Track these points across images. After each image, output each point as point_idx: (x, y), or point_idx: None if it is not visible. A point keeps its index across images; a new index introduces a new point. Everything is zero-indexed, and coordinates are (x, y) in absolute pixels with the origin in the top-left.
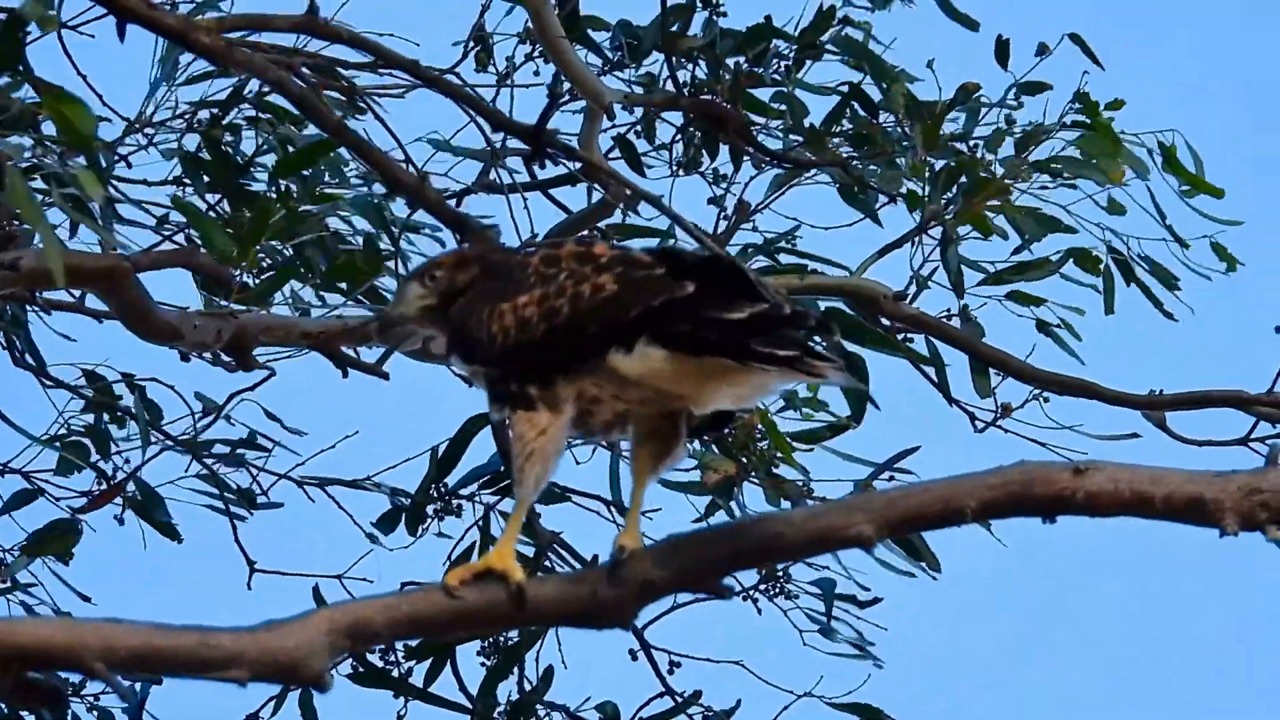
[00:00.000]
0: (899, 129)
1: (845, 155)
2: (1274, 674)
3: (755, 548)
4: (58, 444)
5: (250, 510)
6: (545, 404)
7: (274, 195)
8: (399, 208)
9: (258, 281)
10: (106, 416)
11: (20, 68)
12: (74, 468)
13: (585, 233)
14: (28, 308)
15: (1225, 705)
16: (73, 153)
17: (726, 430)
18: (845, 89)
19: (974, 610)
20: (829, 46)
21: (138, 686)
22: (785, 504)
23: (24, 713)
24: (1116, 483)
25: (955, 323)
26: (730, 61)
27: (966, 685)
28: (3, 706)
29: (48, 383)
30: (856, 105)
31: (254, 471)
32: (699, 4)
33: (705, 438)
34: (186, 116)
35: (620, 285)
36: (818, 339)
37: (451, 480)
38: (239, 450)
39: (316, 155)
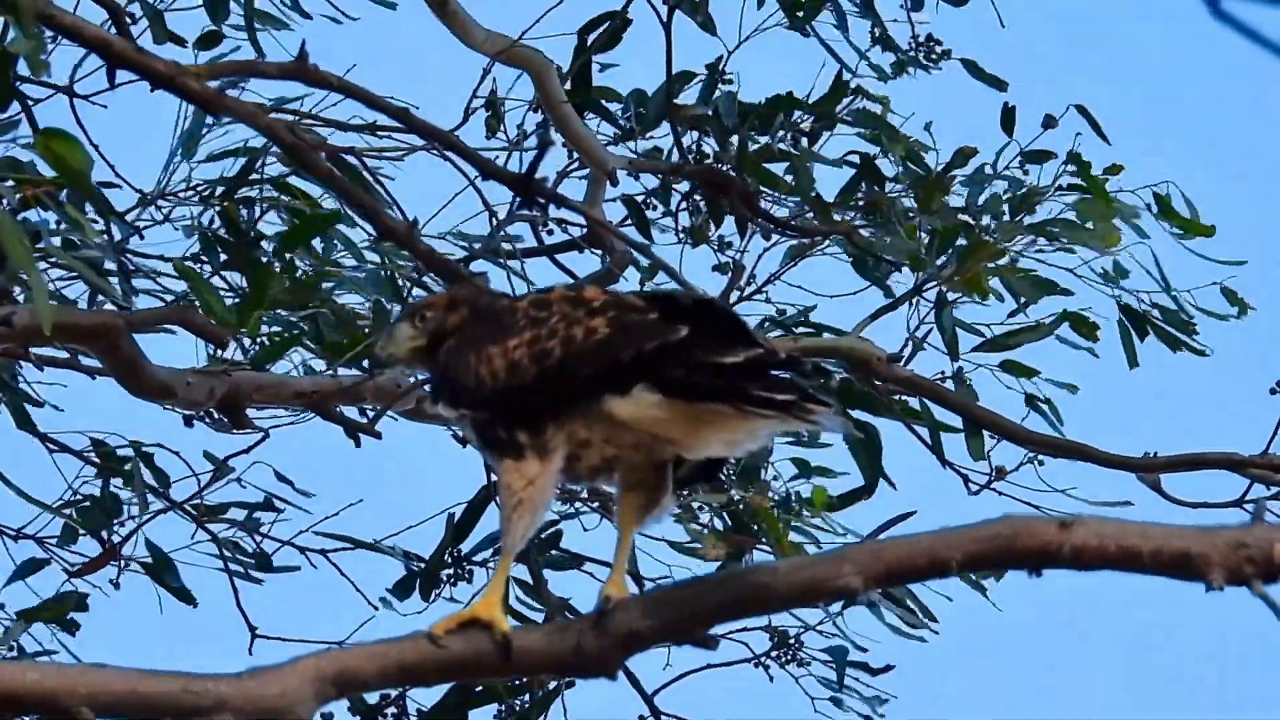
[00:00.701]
0: (906, 197)
1: (854, 224)
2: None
3: (743, 598)
4: (69, 511)
5: (262, 576)
6: (534, 451)
7: (279, 266)
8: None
9: (258, 348)
10: (117, 481)
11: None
12: (78, 535)
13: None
14: (19, 364)
15: None
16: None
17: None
18: (857, 159)
19: (977, 676)
20: (844, 117)
21: None
22: None
23: None
24: (1102, 537)
25: (949, 384)
26: (737, 131)
27: None
28: None
29: (52, 447)
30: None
31: (259, 536)
32: (706, 71)
33: (704, 505)
34: (200, 190)
35: (612, 329)
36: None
37: (466, 546)
38: (254, 515)
39: (322, 225)
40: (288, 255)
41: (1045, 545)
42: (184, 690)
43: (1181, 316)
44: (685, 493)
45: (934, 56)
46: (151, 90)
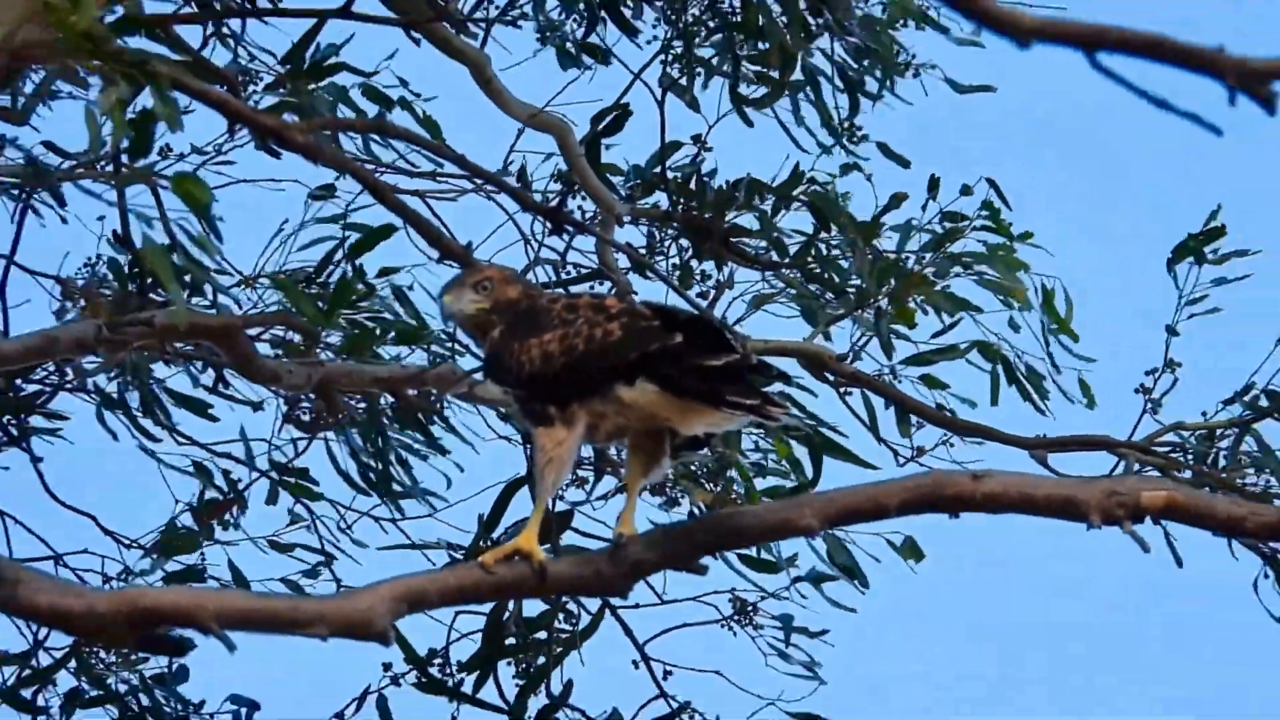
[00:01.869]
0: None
1: (804, 277)
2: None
3: (725, 534)
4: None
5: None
6: (562, 421)
7: (352, 273)
8: None
9: (342, 340)
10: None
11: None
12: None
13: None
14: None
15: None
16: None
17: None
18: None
19: (899, 638)
20: (799, 197)
21: (243, 711)
22: None
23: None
24: (1006, 486)
25: (886, 379)
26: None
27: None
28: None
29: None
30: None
31: (342, 510)
32: (691, 140)
33: (693, 466)
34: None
35: (624, 332)
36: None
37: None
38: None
39: (383, 236)
40: (358, 262)
41: (962, 492)
42: (291, 608)
43: (1042, 385)
44: (680, 456)
45: (855, 139)
46: (259, 144)
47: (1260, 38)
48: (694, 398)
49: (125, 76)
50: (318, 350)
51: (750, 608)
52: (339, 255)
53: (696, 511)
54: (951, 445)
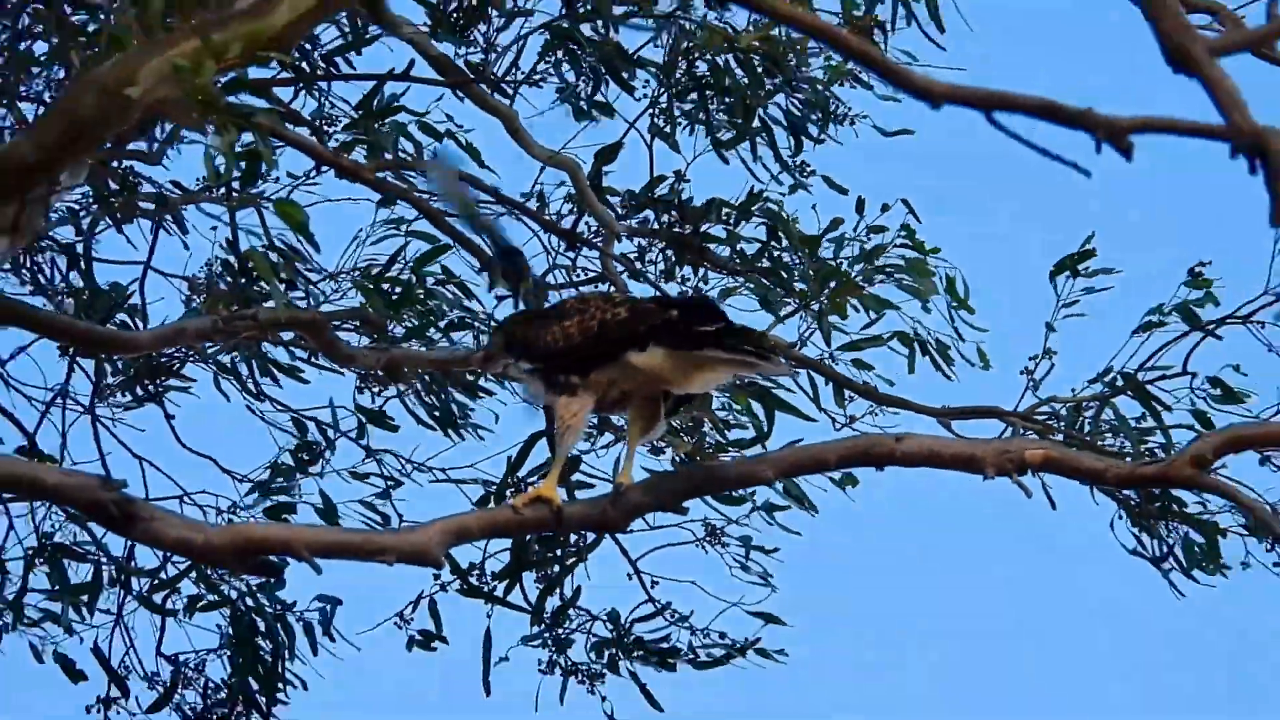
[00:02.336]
0: (795, 257)
1: (759, 270)
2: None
3: (703, 483)
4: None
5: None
6: (580, 390)
7: (414, 282)
8: None
9: (405, 330)
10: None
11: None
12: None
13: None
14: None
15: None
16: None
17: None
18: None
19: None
20: (756, 213)
21: (326, 607)
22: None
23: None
24: (920, 446)
25: (827, 362)
26: (692, 216)
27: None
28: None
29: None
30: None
31: (403, 459)
32: (673, 175)
33: (676, 414)
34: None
35: (629, 313)
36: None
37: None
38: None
39: (441, 252)
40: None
41: (887, 451)
42: (365, 540)
43: (948, 354)
44: (671, 418)
45: (804, 174)
46: (337, 176)
47: (1125, 95)
48: (697, 348)
49: (235, 126)
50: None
51: (719, 532)
52: (402, 255)
53: (677, 460)
54: (876, 414)
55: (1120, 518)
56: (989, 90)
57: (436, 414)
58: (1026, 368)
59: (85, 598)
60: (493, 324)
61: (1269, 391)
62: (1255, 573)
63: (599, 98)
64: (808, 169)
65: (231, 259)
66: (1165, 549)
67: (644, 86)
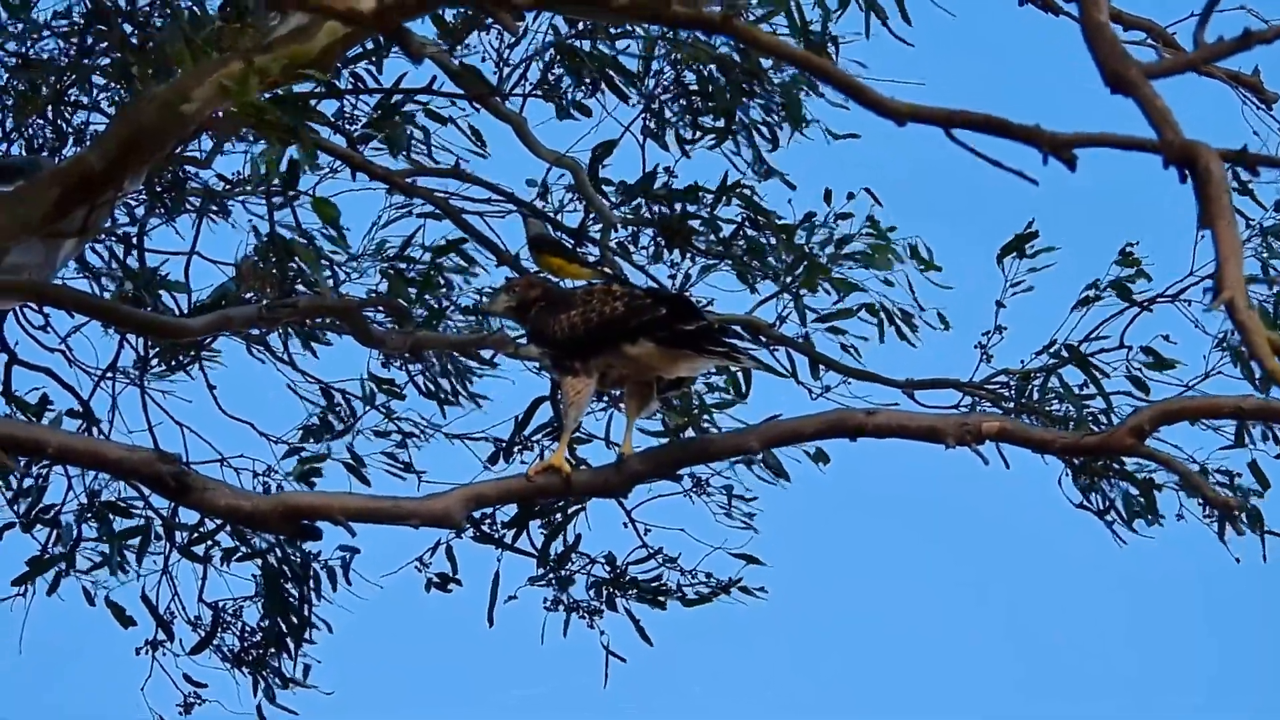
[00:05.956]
0: (770, 241)
1: (741, 252)
2: None
3: (696, 453)
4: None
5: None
6: (584, 372)
7: (433, 270)
8: None
9: (426, 315)
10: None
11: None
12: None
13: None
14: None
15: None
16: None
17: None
18: (741, 216)
19: (811, 514)
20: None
21: (346, 555)
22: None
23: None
24: (890, 419)
25: (802, 340)
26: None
27: (806, 553)
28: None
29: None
30: (751, 226)
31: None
32: (663, 171)
33: (668, 396)
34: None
35: (625, 309)
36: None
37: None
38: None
39: (458, 245)
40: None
41: (859, 424)
42: (394, 506)
43: (912, 322)
44: (664, 397)
45: (763, 173)
46: (370, 179)
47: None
48: (680, 346)
49: (279, 138)
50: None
51: (704, 483)
52: (418, 238)
53: (666, 426)
54: (849, 384)
55: (1066, 475)
56: (948, 109)
57: (444, 394)
58: (980, 342)
59: (135, 544)
60: (503, 282)
61: (1195, 360)
62: (1188, 523)
63: (589, 101)
64: (765, 168)
65: (270, 248)
66: (1107, 503)
67: (638, 94)
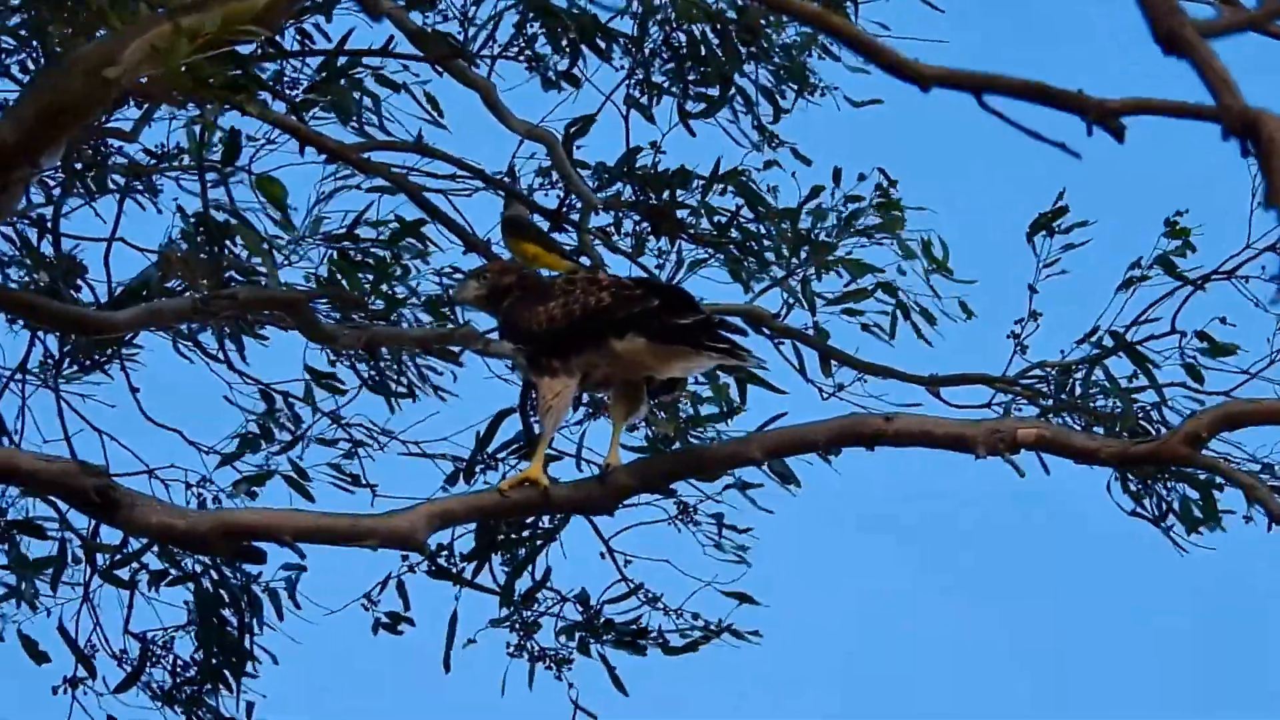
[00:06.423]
0: (769, 228)
1: (733, 243)
2: None
3: (690, 465)
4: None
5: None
6: (562, 373)
7: (389, 257)
8: None
9: (383, 306)
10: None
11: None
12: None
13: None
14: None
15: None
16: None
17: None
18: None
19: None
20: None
21: (291, 575)
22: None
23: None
24: (912, 425)
25: (810, 332)
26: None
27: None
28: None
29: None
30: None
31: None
32: (649, 146)
33: (658, 400)
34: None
35: (612, 299)
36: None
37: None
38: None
39: (416, 227)
40: (396, 247)
41: (877, 430)
42: (350, 526)
43: (930, 315)
44: (654, 400)
45: (774, 145)
46: (318, 154)
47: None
48: (679, 343)
49: (221, 99)
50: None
51: (691, 509)
52: (367, 218)
53: (653, 435)
54: (865, 381)
55: (1116, 478)
56: (979, 73)
57: (399, 387)
58: (1013, 331)
59: (50, 572)
60: (470, 271)
61: (1258, 345)
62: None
63: (575, 70)
64: (776, 140)
65: (201, 231)
66: (1163, 508)
67: (621, 57)
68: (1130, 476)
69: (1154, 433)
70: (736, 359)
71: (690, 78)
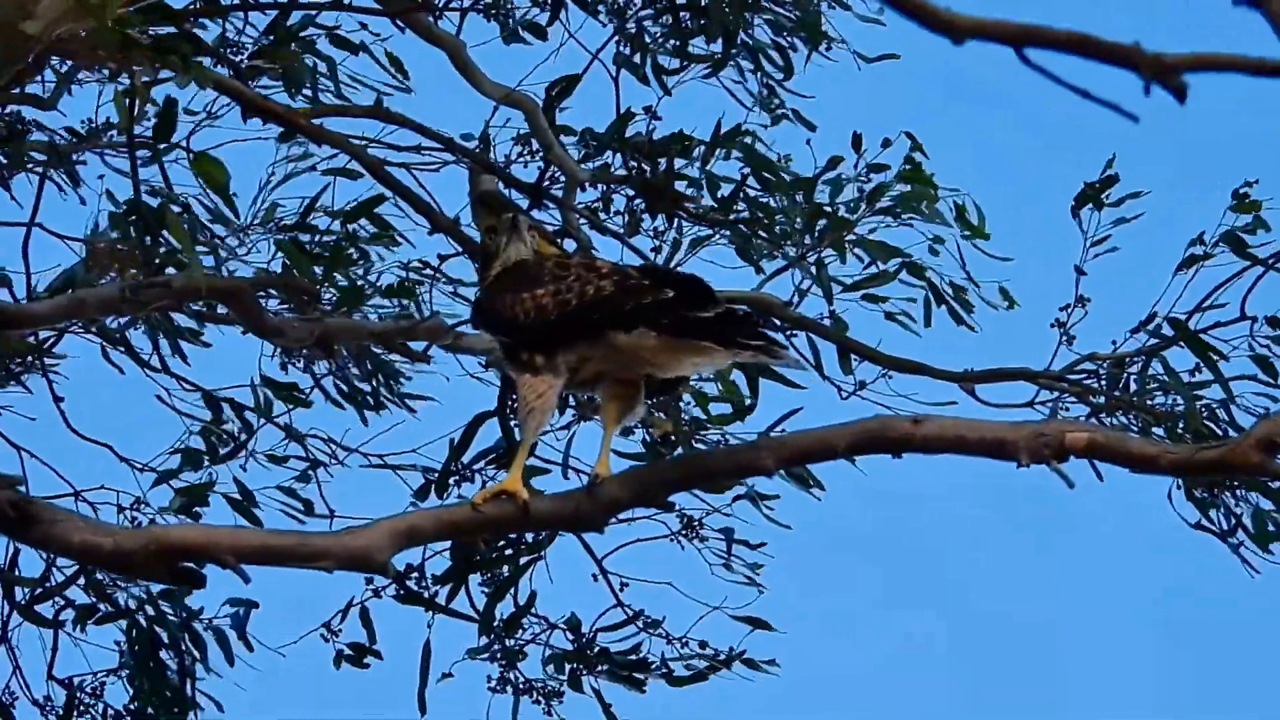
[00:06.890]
0: (782, 200)
1: (740, 220)
2: None
3: (691, 475)
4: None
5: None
6: (546, 370)
7: (344, 240)
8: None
9: (338, 296)
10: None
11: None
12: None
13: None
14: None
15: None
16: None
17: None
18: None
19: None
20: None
21: (239, 611)
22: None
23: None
24: (943, 429)
25: (827, 322)
26: (664, 155)
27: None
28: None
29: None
30: (756, 183)
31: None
32: (643, 111)
33: (655, 400)
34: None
35: (615, 289)
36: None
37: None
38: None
39: (373, 205)
40: (351, 227)
41: (904, 435)
42: (299, 544)
43: (966, 300)
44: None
45: (773, 108)
46: (264, 123)
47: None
48: (701, 338)
49: (154, 59)
50: (318, 306)
51: (696, 523)
52: (322, 203)
53: (648, 439)
54: (890, 377)
55: (1178, 486)
56: (1019, 24)
57: (362, 396)
58: (1058, 319)
59: None
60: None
61: None
62: None
63: (558, 23)
64: (776, 104)
65: (131, 217)
66: (1233, 522)
67: (609, 10)
68: (1194, 483)
69: (1221, 435)
70: (774, 356)
71: (687, 29)
